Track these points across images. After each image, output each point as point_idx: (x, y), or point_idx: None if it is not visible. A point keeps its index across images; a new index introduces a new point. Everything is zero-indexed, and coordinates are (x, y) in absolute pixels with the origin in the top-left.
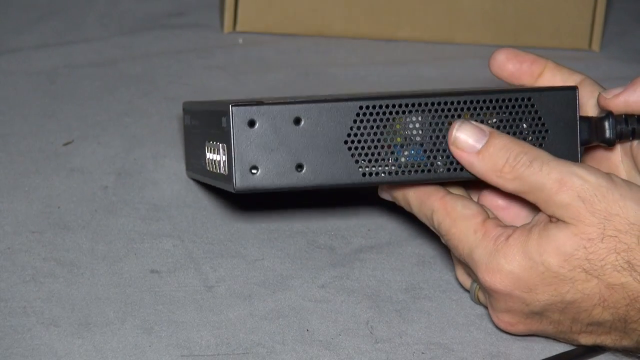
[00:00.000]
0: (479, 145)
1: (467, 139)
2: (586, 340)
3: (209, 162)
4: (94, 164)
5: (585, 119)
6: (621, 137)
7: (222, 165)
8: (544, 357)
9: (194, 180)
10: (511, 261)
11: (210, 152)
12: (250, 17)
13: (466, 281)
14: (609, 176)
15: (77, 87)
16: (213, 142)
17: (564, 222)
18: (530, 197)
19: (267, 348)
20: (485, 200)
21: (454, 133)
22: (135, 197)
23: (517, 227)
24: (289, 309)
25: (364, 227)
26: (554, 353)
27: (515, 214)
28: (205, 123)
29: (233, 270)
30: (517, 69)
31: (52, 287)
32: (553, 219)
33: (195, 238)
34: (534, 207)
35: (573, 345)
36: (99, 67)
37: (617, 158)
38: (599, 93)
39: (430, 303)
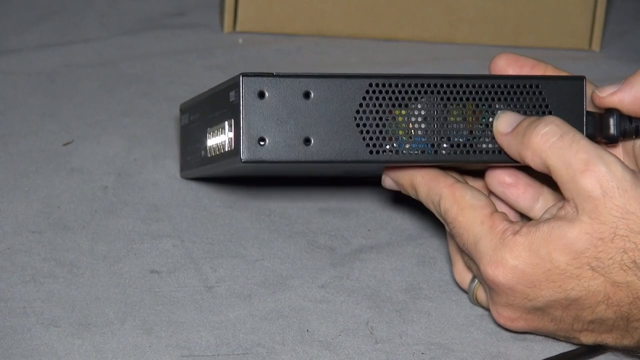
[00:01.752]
0: (512, 127)
1: (506, 123)
2: (587, 338)
3: (210, 150)
4: (94, 164)
5: (590, 114)
6: (625, 135)
7: (227, 142)
8: (544, 357)
9: (190, 178)
10: (517, 256)
11: (213, 138)
12: (250, 17)
13: (464, 279)
14: (635, 172)
15: (77, 87)
16: (216, 126)
17: (577, 216)
18: (555, 176)
19: (267, 348)
20: (491, 177)
21: (495, 121)
22: (135, 197)
23: (525, 224)
24: (289, 309)
25: (364, 227)
26: (554, 353)
27: (520, 194)
28: (206, 111)
29: (233, 270)
30: (518, 73)
31: (52, 287)
32: (567, 208)
33: (195, 238)
34: (540, 189)
35: (573, 343)
36: (99, 67)
37: (619, 157)
38: (592, 91)
39: (430, 303)
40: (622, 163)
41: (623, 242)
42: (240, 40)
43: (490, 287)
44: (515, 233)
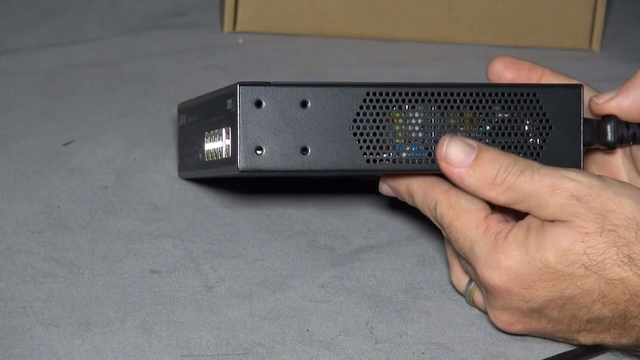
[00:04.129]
0: (469, 160)
1: (457, 154)
2: (585, 339)
3: (207, 154)
4: (94, 164)
5: (588, 121)
6: (622, 140)
7: (224, 150)
8: (544, 357)
9: (188, 179)
10: (510, 257)
11: (210, 143)
12: (250, 17)
13: (461, 282)
14: (601, 177)
15: (77, 87)
16: (214, 131)
17: (560, 220)
18: (523, 207)
19: (267, 348)
20: None
21: (443, 149)
22: (135, 197)
23: (516, 224)
24: (289, 309)
25: (364, 227)
26: (554, 353)
27: None
28: (204, 115)
29: (233, 270)
30: (515, 76)
31: (52, 287)
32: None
33: (195, 238)
34: None
35: (572, 344)
36: (99, 67)
37: (618, 161)
38: (590, 98)
39: (430, 303)
40: (586, 172)
41: (612, 236)
42: (240, 40)
43: (487, 290)
44: (507, 234)
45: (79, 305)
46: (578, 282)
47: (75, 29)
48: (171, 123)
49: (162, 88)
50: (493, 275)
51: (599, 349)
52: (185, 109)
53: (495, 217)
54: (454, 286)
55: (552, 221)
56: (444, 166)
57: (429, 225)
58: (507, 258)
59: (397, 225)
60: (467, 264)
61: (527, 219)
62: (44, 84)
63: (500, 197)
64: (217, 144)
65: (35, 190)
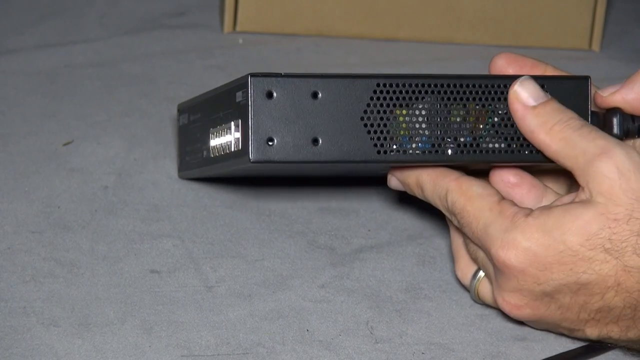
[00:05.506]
0: (536, 102)
1: (528, 93)
2: (592, 330)
3: (213, 150)
4: (94, 164)
5: (594, 114)
6: (628, 134)
7: (233, 143)
8: (544, 357)
9: (189, 179)
10: (529, 238)
11: (217, 138)
12: (250, 17)
13: (466, 275)
14: None
15: (77, 87)
16: (220, 126)
17: (592, 198)
18: (569, 162)
19: (267, 348)
20: (496, 176)
21: (516, 85)
22: (135, 197)
23: (537, 208)
24: (289, 309)
25: (364, 227)
26: (554, 353)
27: (524, 194)
28: (209, 111)
29: (233, 270)
30: (518, 72)
31: (52, 287)
32: (580, 195)
33: (195, 238)
34: (544, 189)
35: (576, 337)
36: (99, 67)
37: None
38: (596, 91)
39: (430, 303)
40: (635, 150)
41: (638, 225)
42: (240, 40)
43: (501, 270)
44: (527, 215)
45: (79, 305)
46: (596, 267)
47: (75, 29)
48: (171, 123)
49: (162, 88)
50: (510, 255)
51: (599, 348)
52: (186, 108)
53: (508, 202)
54: (458, 280)
55: (583, 200)
56: (511, 100)
57: (429, 225)
58: (526, 239)
59: (397, 225)
60: (479, 248)
61: (549, 205)
62: (44, 84)
63: (554, 144)
64: (225, 139)
65: (35, 190)
